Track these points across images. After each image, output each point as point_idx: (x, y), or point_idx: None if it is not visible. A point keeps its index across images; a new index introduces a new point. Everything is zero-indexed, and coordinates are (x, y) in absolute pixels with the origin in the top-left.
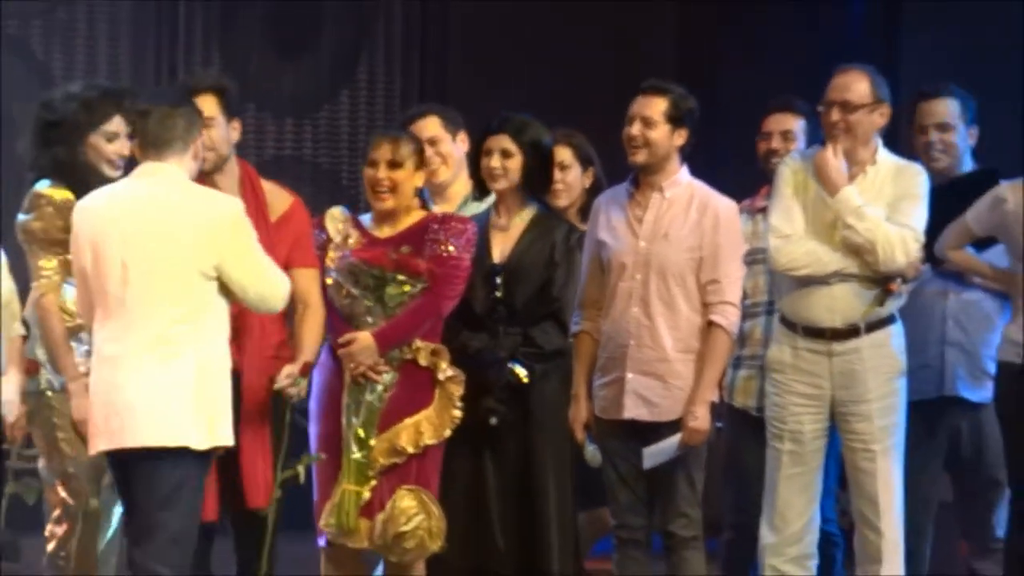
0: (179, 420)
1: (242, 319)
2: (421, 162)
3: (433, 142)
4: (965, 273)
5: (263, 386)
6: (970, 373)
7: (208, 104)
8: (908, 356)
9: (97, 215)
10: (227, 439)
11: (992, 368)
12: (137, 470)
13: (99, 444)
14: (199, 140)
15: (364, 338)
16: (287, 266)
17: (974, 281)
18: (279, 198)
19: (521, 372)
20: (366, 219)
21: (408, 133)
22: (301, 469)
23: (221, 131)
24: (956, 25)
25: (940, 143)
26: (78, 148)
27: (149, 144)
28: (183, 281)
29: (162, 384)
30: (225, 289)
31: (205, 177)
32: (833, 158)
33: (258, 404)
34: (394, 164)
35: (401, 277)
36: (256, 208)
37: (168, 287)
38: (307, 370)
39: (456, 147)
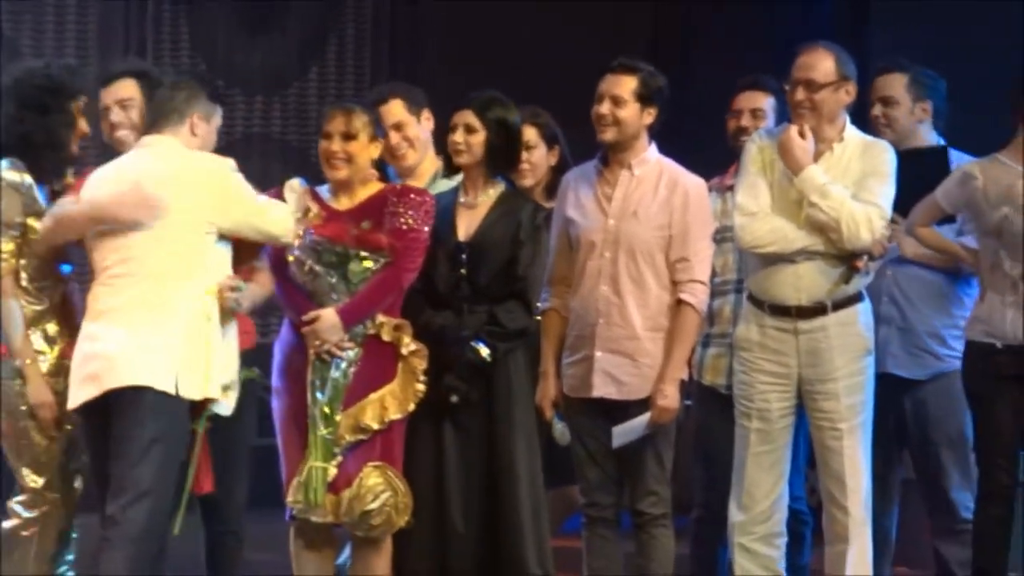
0: (164, 366)
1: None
2: (375, 135)
3: (399, 127)
4: (936, 251)
5: None
6: (906, 351)
7: (125, 86)
8: None
9: (94, 184)
10: (215, 392)
11: (934, 345)
12: (116, 421)
13: (80, 395)
14: (196, 114)
15: (329, 315)
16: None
17: (927, 260)
18: None
19: (483, 351)
20: (324, 190)
21: (362, 104)
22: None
23: (138, 112)
24: (926, 21)
25: (883, 117)
26: (52, 124)
27: (149, 118)
28: (183, 242)
29: (150, 332)
30: (227, 240)
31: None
32: (798, 137)
33: None
34: (348, 136)
35: (364, 253)
36: None
37: (168, 249)
38: (249, 274)
39: (421, 128)
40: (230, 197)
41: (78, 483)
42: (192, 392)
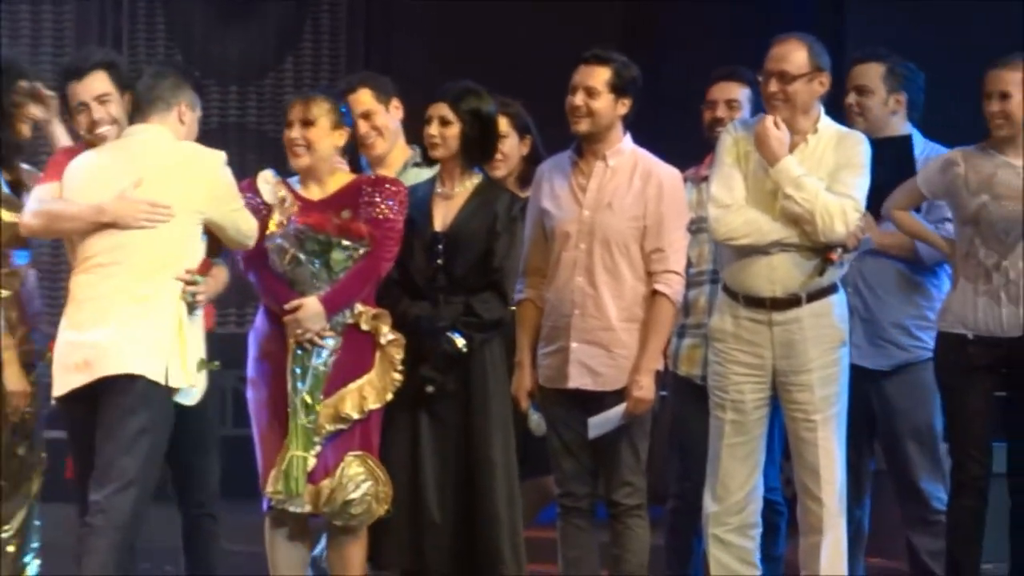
0: (155, 355)
1: None
2: (339, 122)
3: (367, 116)
4: (912, 237)
5: None
6: (869, 342)
7: (99, 80)
8: None
9: (86, 173)
10: (195, 380)
11: (899, 336)
12: (105, 409)
13: (68, 383)
14: (184, 103)
15: (312, 303)
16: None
17: (891, 250)
18: None
19: (459, 341)
20: (294, 181)
21: (323, 92)
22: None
23: (116, 105)
24: (902, 9)
25: (856, 105)
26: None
27: (135, 107)
28: (174, 233)
29: (140, 321)
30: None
31: None
32: (774, 128)
33: None
34: (306, 122)
35: (346, 242)
36: None
37: (160, 240)
38: (206, 268)
39: (390, 116)
40: (222, 190)
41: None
42: (179, 381)
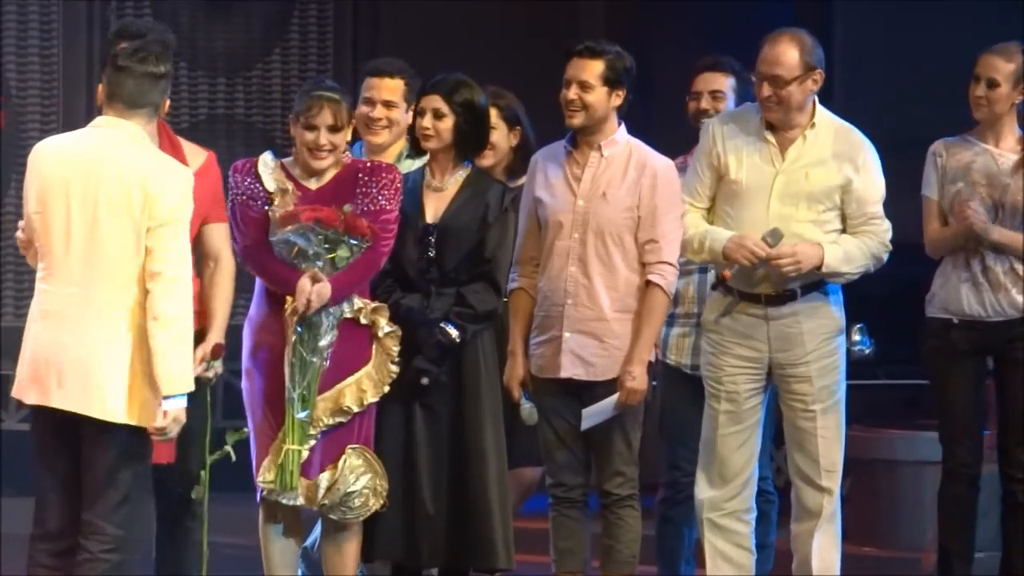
0: (115, 394)
1: None
2: (350, 118)
3: (389, 105)
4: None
5: None
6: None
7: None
8: None
9: (49, 164)
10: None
11: None
12: (83, 433)
13: (31, 396)
14: (167, 102)
15: (325, 284)
16: (205, 221)
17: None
18: (194, 153)
19: (453, 332)
20: (288, 163)
21: (341, 92)
22: (229, 448)
23: None
24: None
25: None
26: None
27: (121, 98)
28: (127, 244)
29: (98, 352)
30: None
31: None
32: (799, 252)
33: None
34: (335, 129)
35: (352, 240)
36: None
37: (112, 248)
38: (219, 351)
39: (406, 116)
40: (178, 211)
41: None
42: (139, 419)
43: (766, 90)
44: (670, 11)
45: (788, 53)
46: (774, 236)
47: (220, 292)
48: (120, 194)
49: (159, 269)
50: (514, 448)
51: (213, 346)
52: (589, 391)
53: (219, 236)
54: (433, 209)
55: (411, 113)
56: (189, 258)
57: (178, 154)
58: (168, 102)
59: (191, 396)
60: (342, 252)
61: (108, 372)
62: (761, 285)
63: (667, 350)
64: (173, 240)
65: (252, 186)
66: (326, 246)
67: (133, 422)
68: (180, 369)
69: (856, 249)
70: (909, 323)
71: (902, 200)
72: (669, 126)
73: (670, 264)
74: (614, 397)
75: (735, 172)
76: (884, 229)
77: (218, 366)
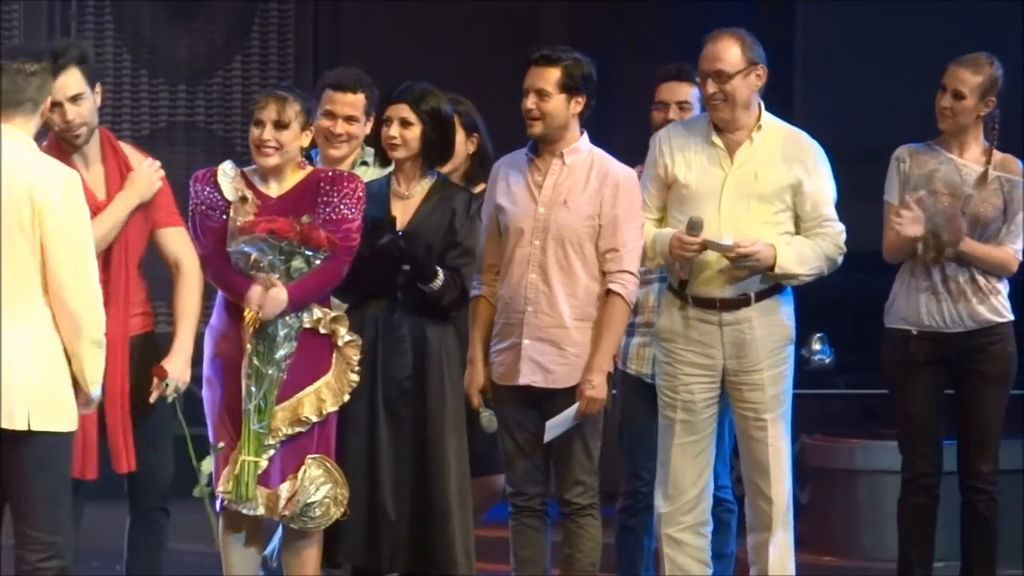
0: (19, 402)
1: (104, 278)
2: (307, 123)
3: (351, 120)
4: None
5: (124, 350)
6: None
7: (74, 78)
8: None
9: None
10: (70, 424)
11: None
12: (1, 445)
13: None
14: (48, 100)
15: (279, 290)
16: (155, 226)
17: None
18: (137, 159)
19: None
20: (250, 171)
21: (295, 92)
22: (203, 488)
23: (90, 103)
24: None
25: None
26: None
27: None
28: (24, 253)
29: (28, 357)
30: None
31: (73, 148)
32: (756, 248)
33: (118, 365)
34: (280, 125)
35: (307, 251)
36: (118, 170)
37: (9, 257)
38: (162, 373)
39: (364, 129)
40: (67, 217)
41: None
42: (45, 425)
43: (711, 87)
44: (632, 14)
45: (729, 49)
46: (693, 227)
47: (182, 299)
48: (11, 202)
49: (60, 279)
50: (482, 455)
51: (155, 369)
52: (549, 399)
53: (174, 241)
54: (400, 216)
55: (370, 125)
56: (91, 262)
57: (120, 160)
58: (49, 101)
59: (157, 408)
60: (296, 263)
61: (11, 382)
62: (716, 289)
63: (627, 360)
64: (69, 247)
65: (211, 195)
66: (280, 257)
67: (44, 429)
68: (95, 370)
69: (810, 250)
70: (868, 332)
71: (862, 207)
72: (631, 129)
73: (631, 273)
74: (575, 407)
75: (684, 176)
76: (838, 231)
77: (174, 385)
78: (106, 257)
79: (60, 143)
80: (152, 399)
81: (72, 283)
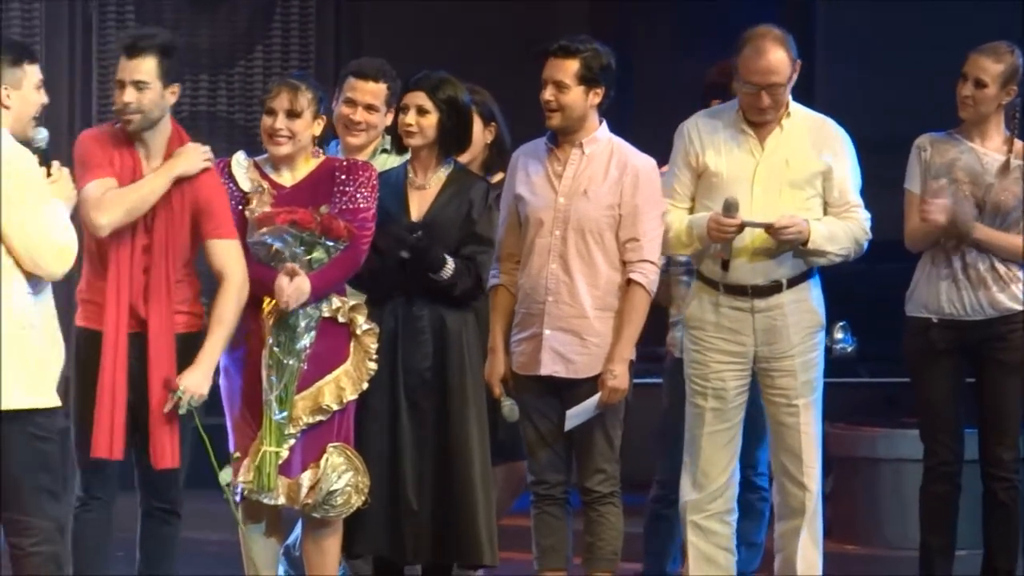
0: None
1: (150, 274)
2: (320, 111)
3: (370, 108)
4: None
5: (169, 348)
6: None
7: (146, 65)
8: None
9: None
10: (48, 400)
11: None
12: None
13: None
14: (4, 86)
15: (304, 280)
16: (206, 237)
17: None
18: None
19: (449, 263)
20: (261, 160)
21: (307, 81)
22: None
23: (153, 95)
24: None
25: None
26: None
27: None
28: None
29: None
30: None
31: (134, 135)
32: (789, 220)
33: (164, 364)
34: (292, 114)
35: (328, 241)
36: None
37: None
38: (172, 384)
39: (385, 119)
40: (20, 198)
41: None
42: (24, 402)
43: (765, 100)
44: (654, 5)
45: (779, 58)
46: (730, 208)
47: (218, 309)
48: None
49: (18, 253)
50: (509, 442)
51: (166, 380)
52: (570, 389)
53: (222, 253)
54: (417, 206)
55: (391, 116)
56: (49, 236)
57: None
58: (23, 83)
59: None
60: (318, 254)
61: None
62: (748, 276)
63: (677, 348)
64: (20, 223)
65: (226, 186)
66: (302, 248)
67: (19, 407)
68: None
69: (840, 230)
70: (890, 321)
71: (884, 197)
72: (652, 122)
73: (652, 263)
74: (596, 397)
75: (715, 165)
76: (865, 217)
77: (187, 397)
78: (148, 247)
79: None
80: (165, 409)
81: (15, 230)
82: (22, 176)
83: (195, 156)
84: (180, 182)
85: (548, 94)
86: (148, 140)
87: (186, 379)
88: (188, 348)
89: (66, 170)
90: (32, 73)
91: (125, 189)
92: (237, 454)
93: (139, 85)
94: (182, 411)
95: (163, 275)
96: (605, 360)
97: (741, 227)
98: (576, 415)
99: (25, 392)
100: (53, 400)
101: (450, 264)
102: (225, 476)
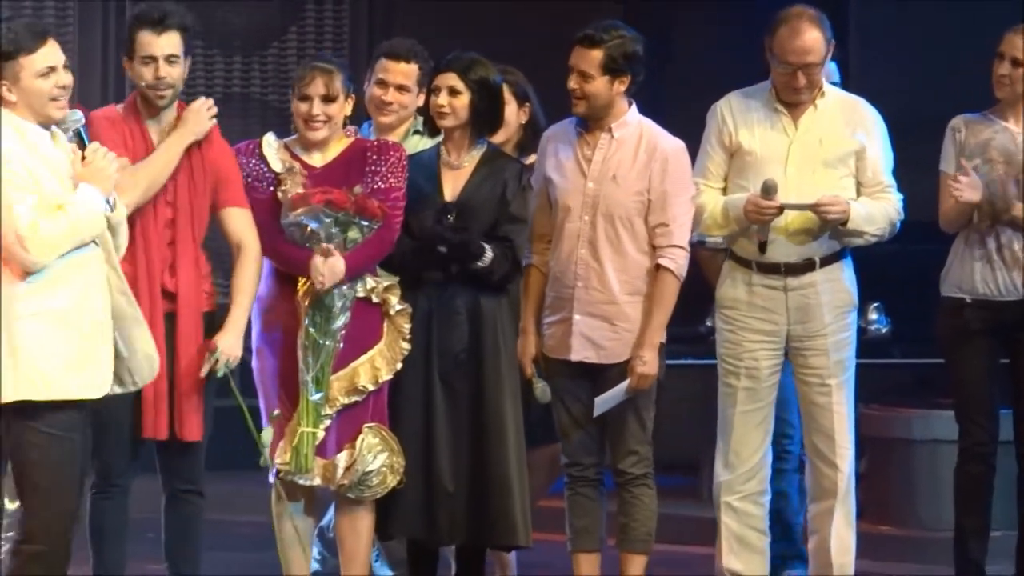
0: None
1: (175, 247)
2: (349, 92)
3: (402, 89)
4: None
5: (196, 320)
6: None
7: (175, 40)
8: None
9: None
10: (47, 393)
11: None
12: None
13: None
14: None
15: (339, 260)
16: (220, 206)
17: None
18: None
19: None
20: (291, 141)
21: (335, 63)
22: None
23: (181, 69)
24: None
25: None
26: None
27: None
28: None
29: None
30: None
31: (158, 111)
32: (831, 203)
33: (193, 335)
34: (328, 99)
35: (363, 221)
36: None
37: None
38: (212, 347)
39: (417, 100)
40: None
41: None
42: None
43: (801, 80)
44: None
45: (814, 38)
46: (768, 190)
47: (239, 278)
48: None
49: None
50: (545, 424)
51: (204, 343)
52: (601, 373)
53: (239, 221)
54: (451, 187)
55: (422, 97)
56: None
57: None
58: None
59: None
60: (352, 234)
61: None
62: (782, 254)
63: None
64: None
65: (257, 167)
66: (337, 228)
67: (15, 398)
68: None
69: (877, 210)
70: (924, 302)
71: (918, 179)
72: (685, 106)
73: (681, 247)
74: (625, 383)
75: (748, 144)
76: (898, 198)
77: (224, 359)
78: (172, 220)
79: (140, 103)
80: (203, 372)
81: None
82: None
83: (202, 115)
84: (194, 148)
85: (573, 82)
86: (162, 116)
87: (222, 341)
88: (205, 326)
89: (104, 150)
90: (31, 63)
91: (138, 166)
92: (277, 411)
93: (171, 59)
94: (219, 374)
95: (189, 245)
96: (634, 346)
97: (780, 209)
98: (605, 401)
99: (12, 386)
100: (53, 393)
101: (488, 253)
102: (266, 436)
